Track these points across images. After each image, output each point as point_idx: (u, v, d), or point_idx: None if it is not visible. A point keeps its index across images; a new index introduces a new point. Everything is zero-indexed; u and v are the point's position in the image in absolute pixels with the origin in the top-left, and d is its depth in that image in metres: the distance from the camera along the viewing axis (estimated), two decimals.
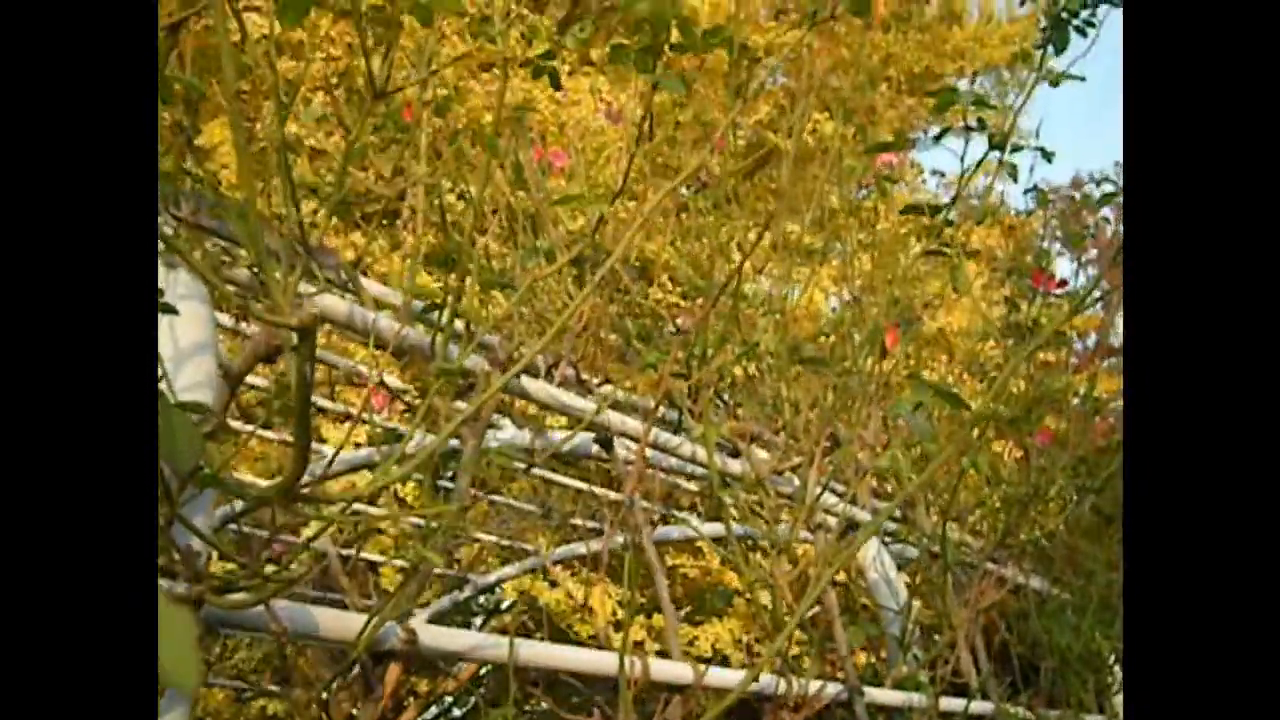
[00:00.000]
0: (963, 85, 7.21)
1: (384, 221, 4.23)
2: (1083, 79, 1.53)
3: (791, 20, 5.93)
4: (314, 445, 3.16)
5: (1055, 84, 1.54)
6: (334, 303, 1.19)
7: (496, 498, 3.27)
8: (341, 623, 1.07)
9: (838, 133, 2.12)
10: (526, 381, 1.40)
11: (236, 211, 0.75)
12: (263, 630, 0.99)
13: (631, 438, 1.56)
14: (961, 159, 1.54)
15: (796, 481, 1.77)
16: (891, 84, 6.42)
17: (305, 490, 0.85)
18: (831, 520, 1.85)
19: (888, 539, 2.17)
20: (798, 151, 2.05)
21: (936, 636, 2.06)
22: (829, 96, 5.32)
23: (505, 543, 3.52)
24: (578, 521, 3.18)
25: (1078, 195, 10.97)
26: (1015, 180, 1.51)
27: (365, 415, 1.71)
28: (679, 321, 2.25)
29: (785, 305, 1.94)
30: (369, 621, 1.03)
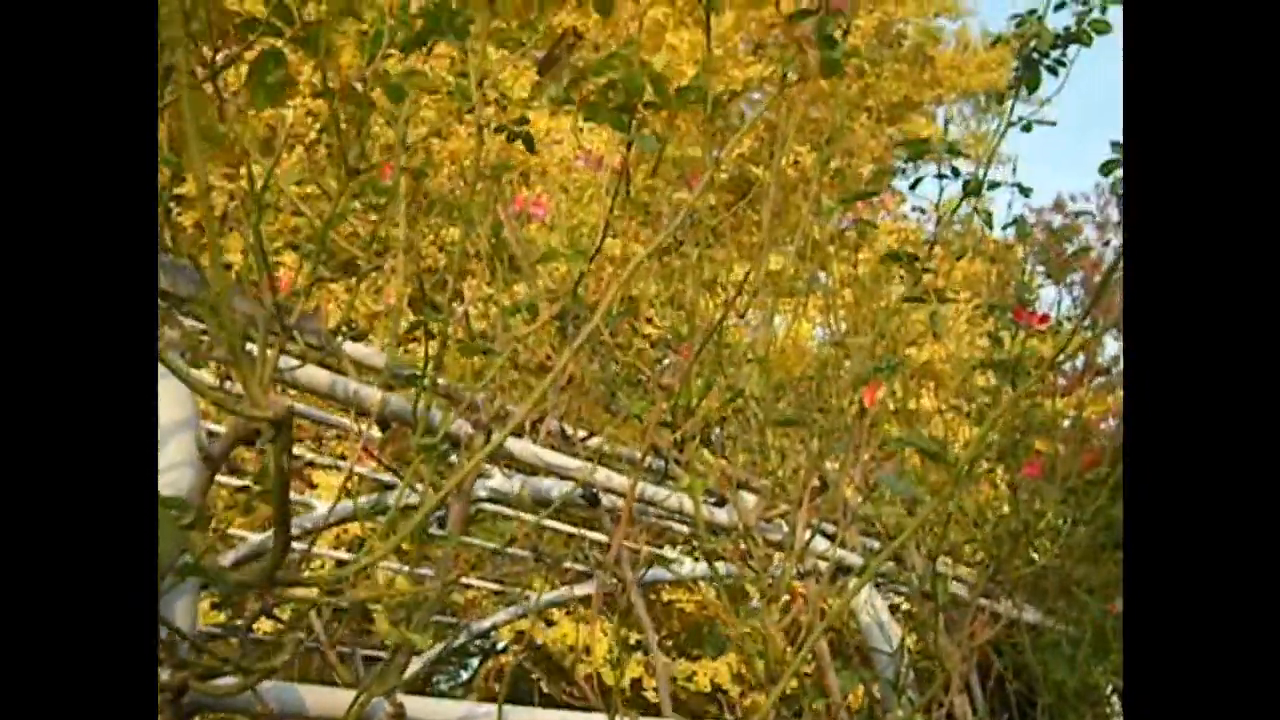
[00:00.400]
0: (939, 113, 7.27)
1: (372, 270, 4.23)
2: (1053, 124, 1.55)
3: (770, 55, 5.98)
4: (304, 496, 3.15)
5: (1027, 129, 1.55)
6: (315, 373, 1.19)
7: (488, 544, 3.26)
8: (329, 699, 1.06)
9: (818, 170, 2.14)
10: (510, 441, 1.40)
11: (208, 307, 0.75)
12: (248, 712, 0.99)
13: (617, 493, 1.56)
14: (937, 206, 1.55)
15: (785, 527, 1.77)
16: (871, 114, 6.47)
17: (287, 575, 0.85)
18: (822, 565, 1.85)
19: (880, 579, 2.16)
20: (780, 183, 2.06)
21: (937, 672, 2.05)
22: (810, 129, 5.35)
23: (498, 589, 3.51)
24: (570, 565, 3.17)
25: (1059, 219, 11.03)
26: (990, 228, 1.53)
27: (352, 467, 1.70)
28: (666, 360, 2.26)
29: (769, 348, 1.94)
30: (357, 698, 1.02)
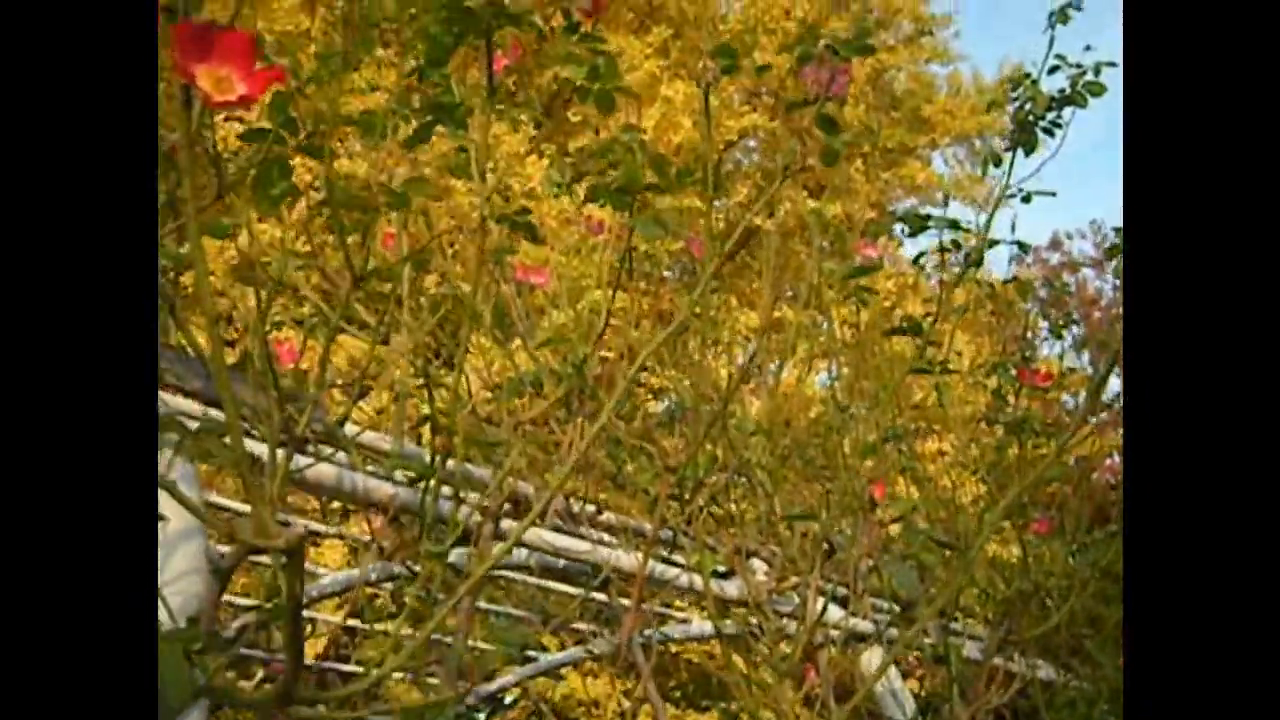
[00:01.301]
0: (935, 157, 7.33)
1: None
2: (1053, 194, 1.56)
3: (765, 103, 6.03)
4: (308, 565, 3.13)
5: (1027, 200, 1.56)
6: (323, 470, 1.19)
7: (495, 607, 3.23)
8: None
9: (816, 228, 2.14)
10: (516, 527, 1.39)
11: (218, 433, 0.75)
12: None
13: (625, 573, 1.56)
14: (940, 282, 1.56)
15: (796, 599, 1.76)
16: (867, 160, 6.52)
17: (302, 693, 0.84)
18: (834, 633, 1.83)
19: (891, 643, 2.14)
20: (780, 230, 2.06)
21: None
22: (806, 176, 5.39)
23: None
24: (579, 626, 3.14)
25: (1056, 257, 11.06)
26: (993, 298, 1.53)
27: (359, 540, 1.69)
28: (674, 430, 2.25)
29: (772, 414, 1.94)
30: None
